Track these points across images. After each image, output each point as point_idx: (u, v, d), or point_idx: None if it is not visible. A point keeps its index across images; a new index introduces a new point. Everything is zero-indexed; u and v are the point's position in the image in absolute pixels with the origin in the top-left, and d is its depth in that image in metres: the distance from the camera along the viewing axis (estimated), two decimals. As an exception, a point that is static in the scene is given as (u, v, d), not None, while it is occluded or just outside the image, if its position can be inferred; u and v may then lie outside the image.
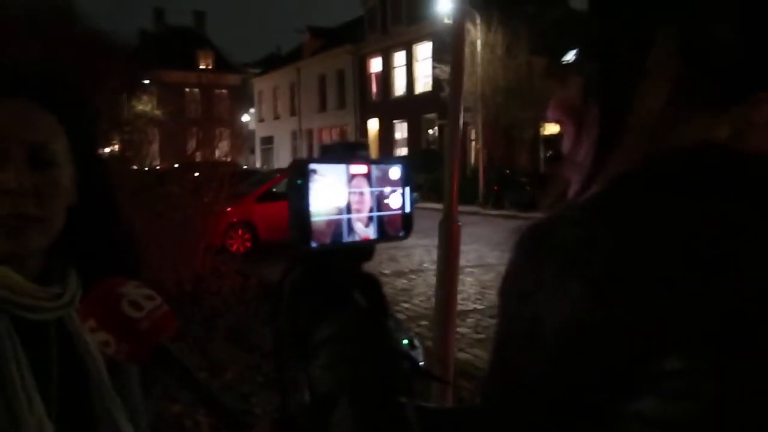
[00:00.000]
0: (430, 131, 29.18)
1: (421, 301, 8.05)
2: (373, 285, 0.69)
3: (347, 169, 0.66)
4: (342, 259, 0.67)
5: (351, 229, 0.66)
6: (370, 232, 0.68)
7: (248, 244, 12.19)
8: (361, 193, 0.67)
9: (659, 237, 0.44)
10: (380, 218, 0.69)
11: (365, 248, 0.69)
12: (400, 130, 31.27)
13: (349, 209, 0.66)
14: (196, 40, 46.62)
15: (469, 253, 10.27)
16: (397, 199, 0.71)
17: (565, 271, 0.45)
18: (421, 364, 0.68)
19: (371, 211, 0.68)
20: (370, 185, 0.68)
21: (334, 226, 0.65)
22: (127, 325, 0.79)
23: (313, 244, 0.63)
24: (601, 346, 0.43)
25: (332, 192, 0.64)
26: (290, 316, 0.67)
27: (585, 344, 0.44)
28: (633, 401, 0.42)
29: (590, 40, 0.55)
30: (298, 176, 0.62)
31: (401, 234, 0.72)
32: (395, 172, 0.71)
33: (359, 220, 0.67)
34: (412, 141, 29.76)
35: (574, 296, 0.44)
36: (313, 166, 0.62)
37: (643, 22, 0.51)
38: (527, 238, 0.51)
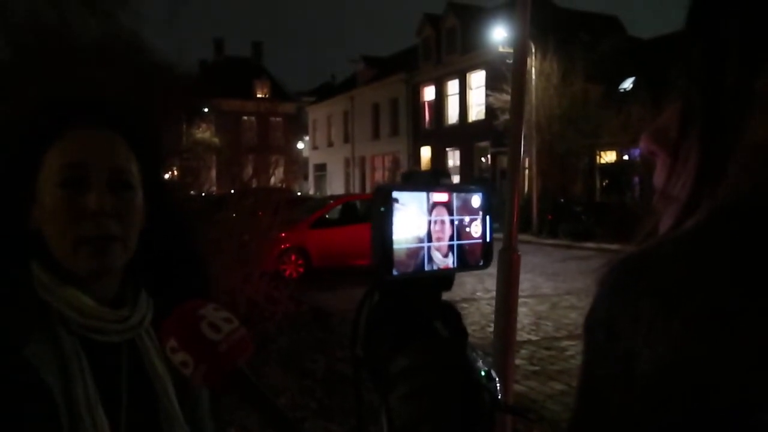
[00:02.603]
0: (483, 159, 29.06)
1: (474, 330, 7.94)
2: (452, 314, 0.68)
3: (429, 197, 0.65)
4: (422, 288, 0.66)
5: (431, 258, 0.65)
6: (450, 262, 0.67)
7: (301, 270, 12.31)
8: (443, 222, 0.66)
9: (756, 279, 0.42)
10: (461, 247, 0.68)
11: (445, 277, 0.68)
12: (453, 158, 31.24)
13: (429, 238, 0.65)
14: (254, 69, 47.85)
15: (523, 283, 10.12)
16: (477, 228, 0.70)
17: (663, 307, 0.43)
18: (499, 396, 0.66)
19: (452, 239, 0.67)
20: (451, 213, 0.67)
21: (416, 255, 0.64)
22: (206, 346, 0.79)
23: (395, 273, 0.62)
24: (702, 388, 0.41)
25: (414, 220, 0.63)
26: (369, 345, 0.66)
27: (683, 385, 0.41)
28: None
29: (691, 66, 0.52)
30: (382, 203, 0.61)
31: (481, 263, 0.71)
32: (476, 200, 0.70)
33: (439, 249, 0.66)
34: (464, 169, 29.68)
35: (673, 334, 0.42)
36: (396, 193, 0.62)
37: (751, 48, 0.49)
38: (619, 272, 0.48)
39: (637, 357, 0.43)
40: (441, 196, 0.66)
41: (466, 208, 0.69)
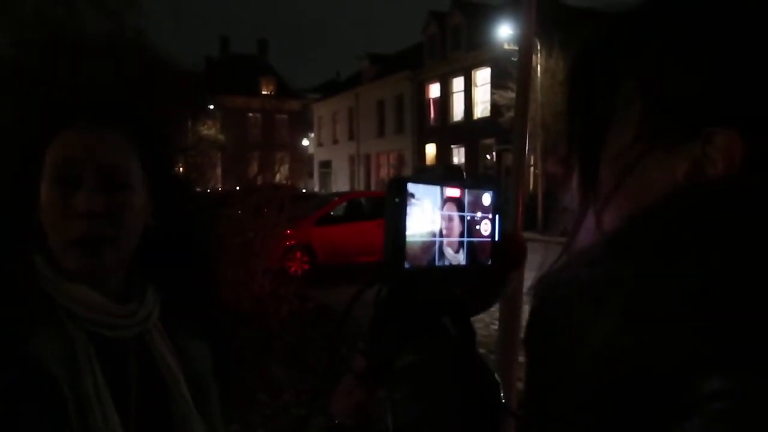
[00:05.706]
0: (488, 157, 29.02)
1: (479, 327, 7.88)
2: (462, 311, 0.68)
3: (442, 192, 0.65)
4: (432, 283, 0.66)
5: (442, 254, 0.65)
6: (461, 258, 0.67)
7: (306, 267, 12.31)
8: (454, 218, 0.66)
9: (676, 267, 0.45)
10: (471, 244, 0.68)
11: (457, 273, 0.68)
12: (458, 155, 31.20)
13: (441, 233, 0.65)
14: (259, 66, 47.82)
15: (526, 280, 10.12)
16: (487, 226, 0.70)
17: (593, 307, 0.47)
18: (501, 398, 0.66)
19: (462, 236, 0.67)
20: (463, 210, 0.67)
21: (428, 249, 0.64)
22: None
23: (407, 266, 0.62)
24: (637, 372, 0.43)
25: (428, 214, 0.63)
26: (376, 339, 0.66)
27: (620, 374, 0.44)
28: (676, 425, 0.41)
29: (569, 94, 0.62)
30: (397, 194, 0.61)
31: (489, 262, 0.71)
32: (487, 198, 0.70)
33: (450, 244, 0.66)
34: (469, 166, 29.62)
35: (604, 330, 0.45)
36: (411, 186, 0.62)
37: (610, 72, 0.57)
38: (550, 284, 0.53)
39: (574, 356, 0.47)
40: (454, 192, 0.66)
41: (477, 206, 0.69)
